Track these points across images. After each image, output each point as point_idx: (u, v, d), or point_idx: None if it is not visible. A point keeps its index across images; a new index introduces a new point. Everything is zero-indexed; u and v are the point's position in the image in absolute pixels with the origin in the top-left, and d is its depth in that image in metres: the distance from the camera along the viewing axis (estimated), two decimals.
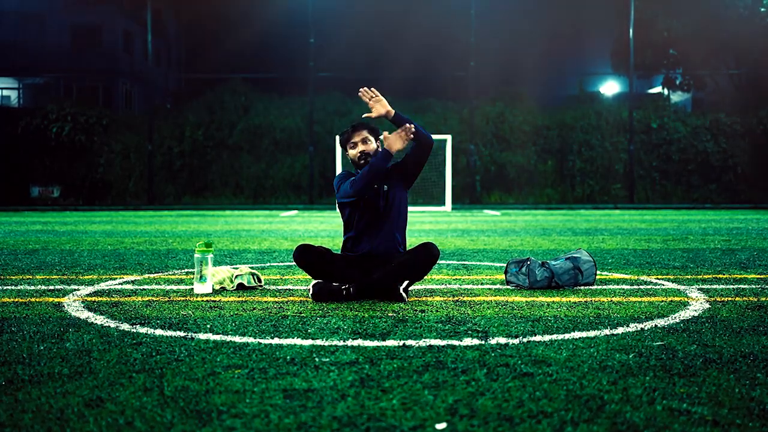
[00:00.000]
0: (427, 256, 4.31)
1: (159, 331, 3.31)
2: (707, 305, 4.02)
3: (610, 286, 4.81)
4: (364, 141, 4.40)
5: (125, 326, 3.43)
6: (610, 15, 30.54)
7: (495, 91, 27.77)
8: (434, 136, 21.70)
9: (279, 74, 30.04)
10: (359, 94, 4.41)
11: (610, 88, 34.93)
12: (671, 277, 5.30)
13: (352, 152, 4.44)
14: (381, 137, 4.43)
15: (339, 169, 21.86)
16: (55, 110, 26.54)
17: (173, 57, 40.11)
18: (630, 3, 26.01)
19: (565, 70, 33.54)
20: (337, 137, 4.57)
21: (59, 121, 26.35)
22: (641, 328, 3.36)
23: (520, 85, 28.35)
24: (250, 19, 33.70)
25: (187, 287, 4.79)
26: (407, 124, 4.27)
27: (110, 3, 34.40)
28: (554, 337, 3.18)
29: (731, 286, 4.79)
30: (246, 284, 4.72)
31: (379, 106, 4.36)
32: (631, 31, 26.12)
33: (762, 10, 29.57)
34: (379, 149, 4.42)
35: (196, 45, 36.96)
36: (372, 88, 4.41)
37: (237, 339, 3.14)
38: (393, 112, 4.36)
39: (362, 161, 4.40)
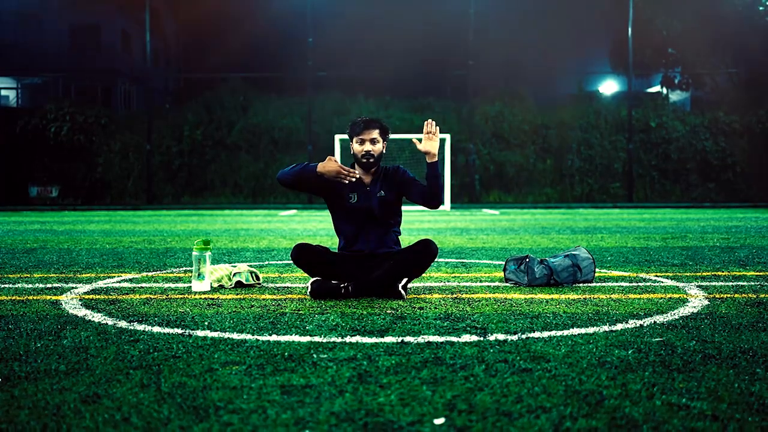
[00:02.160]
0: (425, 253, 4.30)
1: (156, 329, 3.30)
2: (706, 302, 4.01)
3: (609, 284, 4.80)
4: (373, 141, 4.33)
5: (123, 323, 3.42)
6: (609, 14, 30.52)
7: (494, 91, 27.75)
8: None
9: (277, 74, 30.01)
10: (426, 121, 4.31)
11: (609, 87, 34.91)
12: (670, 274, 5.29)
13: (357, 147, 4.36)
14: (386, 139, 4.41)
15: None
16: (54, 110, 26.50)
17: (172, 57, 40.06)
18: (629, 2, 25.99)
19: (564, 69, 33.53)
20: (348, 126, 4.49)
21: (58, 121, 26.32)
22: (640, 325, 3.35)
23: (519, 85, 28.33)
24: (248, 19, 33.68)
25: (185, 285, 4.78)
26: (352, 171, 4.19)
27: (109, 3, 34.35)
28: (553, 333, 3.17)
29: (730, 283, 4.78)
30: (244, 282, 4.71)
31: (431, 144, 4.25)
32: (629, 30, 26.11)
33: (761, 8, 29.56)
34: (380, 150, 4.37)
35: (195, 45, 36.91)
36: (436, 126, 4.32)
37: (235, 336, 3.13)
38: (437, 158, 4.26)
39: (364, 160, 4.36)
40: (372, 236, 4.41)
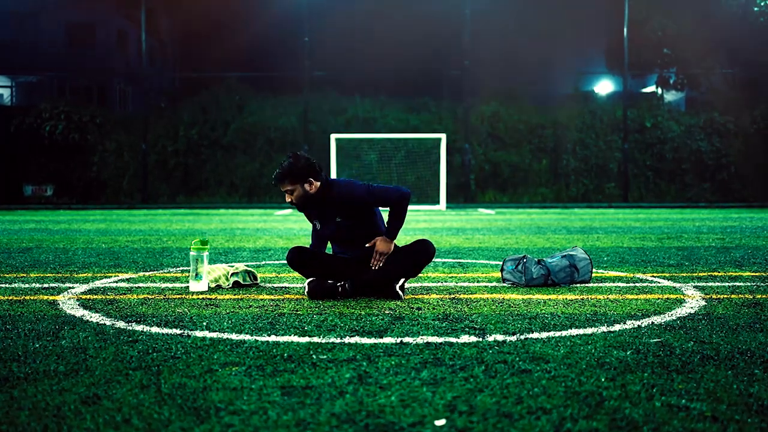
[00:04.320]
0: (422, 253, 4.32)
1: (155, 329, 3.29)
2: (703, 302, 4.03)
3: (606, 284, 4.81)
4: (288, 192, 4.35)
5: (121, 324, 3.41)
6: (605, 14, 30.57)
7: (490, 90, 27.73)
8: (430, 135, 21.51)
9: (274, 73, 29.96)
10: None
11: (605, 87, 34.96)
12: (667, 274, 5.31)
13: None
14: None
15: (334, 169, 21.84)
16: (49, 109, 26.39)
17: (168, 56, 39.97)
18: (624, 2, 26.03)
19: (560, 69, 33.55)
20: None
21: (53, 120, 26.22)
22: (638, 325, 3.36)
23: (514, 84, 28.34)
24: (244, 18, 33.63)
25: (183, 285, 4.77)
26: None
27: (105, 1, 34.26)
28: (551, 334, 3.18)
29: (726, 284, 4.80)
30: (242, 282, 4.71)
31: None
32: (625, 30, 26.15)
33: (756, 9, 29.65)
34: (300, 193, 4.31)
35: (191, 44, 36.82)
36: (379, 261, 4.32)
37: (233, 336, 3.13)
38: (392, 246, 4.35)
39: (294, 207, 4.54)
40: (355, 244, 4.40)
